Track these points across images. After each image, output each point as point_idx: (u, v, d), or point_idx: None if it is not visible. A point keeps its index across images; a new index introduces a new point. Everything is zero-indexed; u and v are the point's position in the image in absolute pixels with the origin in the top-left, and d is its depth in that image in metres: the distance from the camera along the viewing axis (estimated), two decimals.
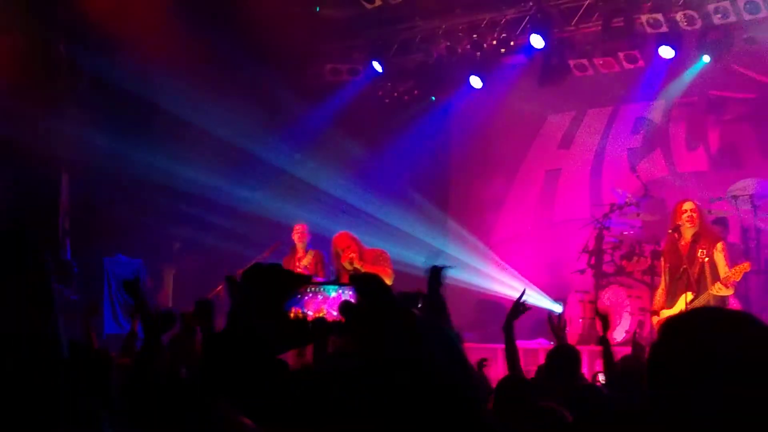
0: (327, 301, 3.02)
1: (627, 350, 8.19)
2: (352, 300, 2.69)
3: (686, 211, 10.50)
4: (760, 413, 2.01)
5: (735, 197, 12.45)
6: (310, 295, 2.97)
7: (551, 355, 6.59)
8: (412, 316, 2.62)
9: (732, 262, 10.27)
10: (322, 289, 2.97)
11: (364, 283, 2.78)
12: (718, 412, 2.02)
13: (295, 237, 12.04)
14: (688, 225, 10.49)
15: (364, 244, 11.50)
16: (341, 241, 11.47)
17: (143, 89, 13.70)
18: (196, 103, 13.71)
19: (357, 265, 11.09)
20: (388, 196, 14.94)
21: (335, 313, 2.95)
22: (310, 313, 2.97)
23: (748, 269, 10.34)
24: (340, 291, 2.81)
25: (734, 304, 11.13)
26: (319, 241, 12.13)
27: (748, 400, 2.03)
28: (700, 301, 10.18)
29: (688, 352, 2.13)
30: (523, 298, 6.49)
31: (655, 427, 2.12)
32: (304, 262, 12.00)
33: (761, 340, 2.12)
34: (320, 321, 4.47)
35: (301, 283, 2.83)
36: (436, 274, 4.83)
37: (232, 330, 2.60)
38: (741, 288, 10.94)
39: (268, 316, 2.58)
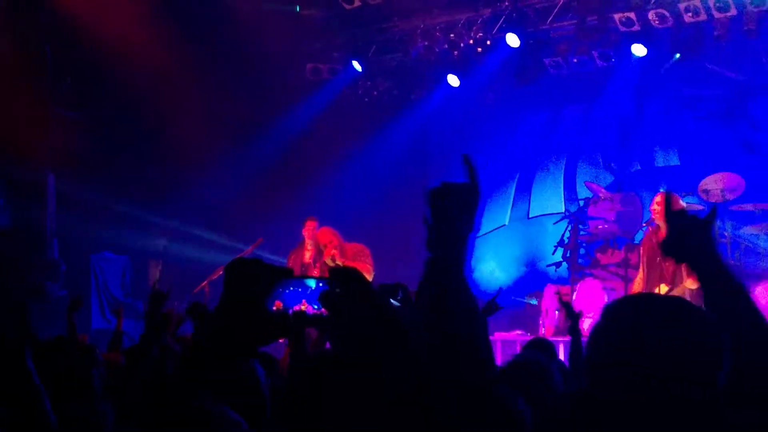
0: (307, 294, 3.07)
1: None
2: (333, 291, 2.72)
3: (654, 204, 10.73)
4: (680, 393, 2.10)
5: (706, 191, 12.57)
6: (292, 288, 3.01)
7: (527, 346, 6.73)
8: (389, 306, 2.65)
9: None
10: (303, 282, 3.01)
11: (342, 275, 2.82)
12: (644, 389, 2.09)
13: (306, 233, 11.93)
14: (658, 217, 10.67)
15: (345, 240, 11.65)
16: (323, 237, 11.60)
17: (126, 90, 13.70)
18: (178, 102, 13.71)
19: (338, 262, 11.21)
20: (368, 192, 15.01)
21: (316, 307, 2.97)
22: (291, 305, 3.02)
23: None
24: (320, 284, 2.86)
25: None
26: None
27: (671, 380, 2.10)
28: (675, 293, 10.32)
29: (619, 333, 2.21)
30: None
31: (593, 405, 2.17)
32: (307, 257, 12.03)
33: (689, 323, 2.22)
34: (300, 314, 4.50)
35: (283, 276, 2.85)
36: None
37: (217, 324, 2.64)
38: None
39: (249, 309, 2.61)
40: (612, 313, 2.29)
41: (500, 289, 7.25)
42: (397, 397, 2.35)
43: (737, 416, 2.16)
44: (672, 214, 2.65)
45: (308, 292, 2.90)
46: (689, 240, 2.55)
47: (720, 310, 2.44)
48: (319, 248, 11.72)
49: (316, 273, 11.36)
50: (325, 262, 11.54)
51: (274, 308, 2.87)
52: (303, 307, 2.93)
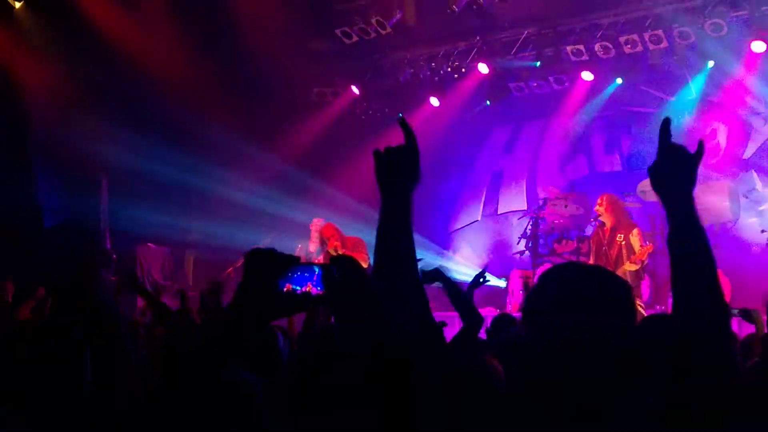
0: (312, 278, 3.08)
1: None
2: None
3: (602, 201, 10.86)
4: (600, 339, 2.06)
5: (644, 192, 12.57)
6: (299, 273, 3.03)
7: (495, 320, 6.77)
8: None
9: (644, 244, 10.56)
10: (309, 267, 3.03)
11: (342, 262, 2.86)
12: (567, 333, 2.06)
13: (312, 227, 12.22)
14: (604, 213, 10.81)
15: (345, 234, 11.76)
16: (327, 231, 11.69)
17: (164, 108, 13.68)
18: (209, 119, 13.70)
19: (340, 252, 11.26)
20: (364, 193, 14.98)
21: (319, 288, 2.99)
22: (299, 288, 3.03)
23: (651, 251, 10.56)
24: (323, 270, 2.88)
25: (646, 280, 11.35)
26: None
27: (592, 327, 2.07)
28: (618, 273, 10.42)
29: (549, 289, 2.19)
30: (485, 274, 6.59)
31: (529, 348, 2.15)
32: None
33: (605, 284, 2.17)
34: (307, 294, 4.50)
35: (292, 263, 2.90)
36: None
37: (235, 302, 2.67)
38: (650, 265, 11.17)
39: (263, 290, 2.64)
40: (546, 275, 2.25)
41: (486, 266, 7.24)
42: (380, 355, 2.42)
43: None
44: (666, 140, 2.48)
45: (313, 276, 2.91)
46: (676, 167, 2.42)
47: (681, 246, 2.30)
48: (323, 240, 11.77)
49: (320, 261, 11.39)
50: (328, 251, 11.57)
51: (285, 289, 2.88)
52: (308, 289, 2.95)
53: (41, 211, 13.18)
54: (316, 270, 2.84)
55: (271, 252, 2.67)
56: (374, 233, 2.58)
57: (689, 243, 2.30)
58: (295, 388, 2.62)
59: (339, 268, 2.71)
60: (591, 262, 11.06)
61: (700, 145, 2.42)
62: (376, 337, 2.44)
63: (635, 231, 10.67)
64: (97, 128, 13.28)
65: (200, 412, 2.28)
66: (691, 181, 2.39)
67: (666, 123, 2.50)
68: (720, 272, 2.25)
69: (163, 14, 13.21)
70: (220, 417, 2.42)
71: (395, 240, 2.51)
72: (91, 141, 13.22)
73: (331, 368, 2.51)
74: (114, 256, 12.81)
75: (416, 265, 2.48)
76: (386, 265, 2.51)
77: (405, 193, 2.63)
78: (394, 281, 2.48)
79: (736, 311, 5.04)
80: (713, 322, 2.21)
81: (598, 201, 11.04)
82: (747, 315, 5.05)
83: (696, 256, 2.28)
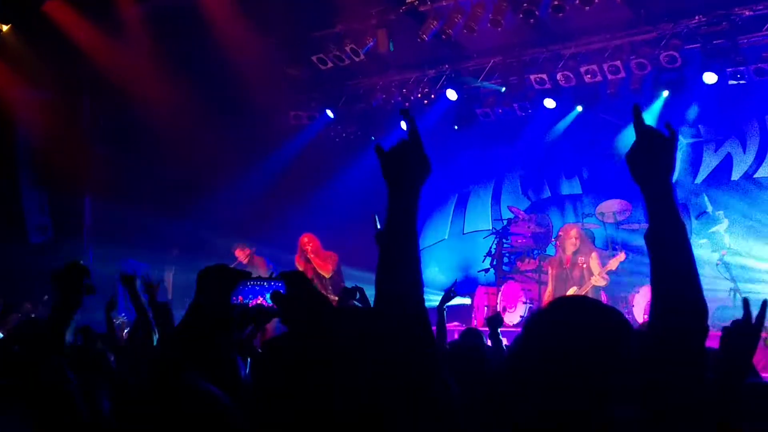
0: (263, 292, 3.15)
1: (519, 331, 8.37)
2: (282, 290, 2.81)
3: (566, 233, 11.20)
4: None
5: (602, 214, 12.71)
6: (250, 286, 3.09)
7: (463, 334, 6.83)
8: (329, 304, 2.74)
9: (602, 264, 10.88)
10: (258, 282, 3.09)
11: (290, 277, 2.89)
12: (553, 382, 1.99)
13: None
14: (567, 243, 11.13)
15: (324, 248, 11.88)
16: (302, 240, 11.88)
17: (147, 129, 13.67)
18: (190, 139, 13.70)
19: (310, 258, 11.68)
20: (339, 211, 15.01)
21: (270, 302, 3.03)
22: (250, 301, 3.10)
23: (624, 259, 10.90)
24: (273, 283, 2.94)
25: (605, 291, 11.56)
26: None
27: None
28: (582, 291, 11.05)
29: (532, 344, 2.10)
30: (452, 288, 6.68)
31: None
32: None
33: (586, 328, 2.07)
34: (259, 306, 4.59)
35: (242, 277, 2.97)
36: None
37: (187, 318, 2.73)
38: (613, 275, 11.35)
39: (215, 305, 2.70)
40: (527, 327, 2.16)
41: (456, 281, 7.32)
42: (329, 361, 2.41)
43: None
44: (641, 124, 2.38)
45: (264, 289, 2.97)
46: (653, 152, 2.30)
47: (661, 242, 2.21)
48: (301, 248, 11.89)
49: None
50: (304, 253, 11.77)
51: (238, 301, 2.95)
52: (260, 301, 3.01)
53: (26, 227, 13.10)
54: (266, 284, 2.91)
55: (221, 267, 2.74)
56: (348, 247, 2.64)
57: (669, 239, 2.20)
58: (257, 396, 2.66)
59: (288, 283, 2.79)
60: (550, 283, 11.44)
61: (670, 128, 2.34)
62: (324, 347, 2.47)
63: (594, 255, 11.21)
64: (82, 146, 13.26)
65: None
66: (669, 167, 2.28)
67: (637, 108, 2.41)
68: None
69: (144, 39, 13.23)
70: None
71: (403, 245, 2.32)
72: (73, 160, 13.18)
73: (285, 378, 2.54)
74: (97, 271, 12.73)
75: (420, 268, 2.30)
76: (392, 269, 2.29)
77: (416, 186, 2.46)
78: (398, 285, 2.27)
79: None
80: (695, 316, 2.14)
81: (560, 232, 11.44)
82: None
83: (676, 251, 2.19)
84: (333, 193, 15.39)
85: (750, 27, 12.07)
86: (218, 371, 3.60)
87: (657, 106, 13.40)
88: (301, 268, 11.88)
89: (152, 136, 13.72)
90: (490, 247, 13.39)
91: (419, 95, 14.56)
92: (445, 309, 6.25)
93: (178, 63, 13.14)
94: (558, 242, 11.64)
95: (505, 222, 13.60)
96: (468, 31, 12.56)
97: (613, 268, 10.96)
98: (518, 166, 15.52)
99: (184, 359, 2.59)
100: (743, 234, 12.91)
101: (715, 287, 11.60)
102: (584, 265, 11.14)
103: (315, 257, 11.78)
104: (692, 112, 13.57)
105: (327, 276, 11.73)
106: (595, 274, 11.00)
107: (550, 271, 11.65)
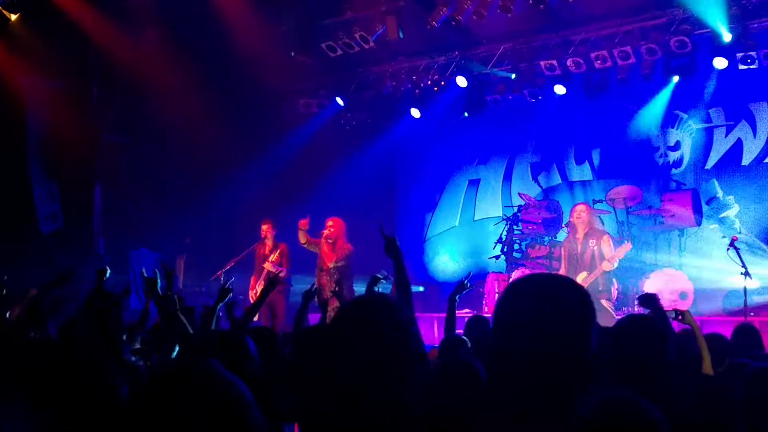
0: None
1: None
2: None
3: (577, 211, 11.11)
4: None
5: (613, 200, 12.65)
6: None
7: (470, 322, 6.87)
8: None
9: (615, 248, 10.83)
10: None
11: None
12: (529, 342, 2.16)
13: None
14: (578, 222, 11.05)
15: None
16: (331, 222, 11.71)
17: (158, 118, 13.67)
18: (200, 127, 13.70)
19: (322, 241, 11.68)
20: (348, 197, 14.98)
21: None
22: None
23: (630, 248, 10.88)
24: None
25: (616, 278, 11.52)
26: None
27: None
28: (593, 276, 10.89)
29: (513, 306, 2.27)
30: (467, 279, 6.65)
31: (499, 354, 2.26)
32: (272, 258, 12.08)
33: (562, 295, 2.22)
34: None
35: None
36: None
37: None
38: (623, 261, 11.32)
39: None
40: (508, 290, 2.32)
41: (470, 272, 7.28)
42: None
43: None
44: (385, 237, 4.80)
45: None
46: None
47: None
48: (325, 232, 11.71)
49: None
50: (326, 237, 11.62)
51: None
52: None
53: (37, 216, 13.13)
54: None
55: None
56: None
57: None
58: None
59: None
60: (563, 266, 11.34)
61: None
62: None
63: (606, 237, 11.07)
64: (92, 135, 13.27)
65: None
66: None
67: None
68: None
69: (154, 28, 13.23)
70: None
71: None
72: (84, 149, 13.20)
73: None
74: (107, 259, 12.78)
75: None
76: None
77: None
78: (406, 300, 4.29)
79: (673, 313, 5.17)
80: None
81: (571, 215, 11.34)
82: (681, 316, 5.18)
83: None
84: (342, 180, 15.38)
85: (760, 12, 12.01)
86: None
87: (667, 91, 13.35)
88: (302, 242, 11.84)
89: (162, 124, 13.73)
90: (501, 234, 13.37)
91: (429, 82, 14.53)
92: (457, 299, 6.22)
93: (188, 51, 13.12)
94: (569, 227, 11.57)
95: (515, 209, 13.56)
96: (478, 18, 12.51)
97: (621, 257, 10.94)
98: (529, 153, 15.46)
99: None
100: (754, 219, 12.85)
101: (724, 272, 11.56)
102: (595, 248, 11.02)
103: (326, 243, 11.63)
104: (703, 97, 13.49)
105: (330, 265, 11.56)
106: (606, 258, 10.89)
107: (562, 253, 11.59)
